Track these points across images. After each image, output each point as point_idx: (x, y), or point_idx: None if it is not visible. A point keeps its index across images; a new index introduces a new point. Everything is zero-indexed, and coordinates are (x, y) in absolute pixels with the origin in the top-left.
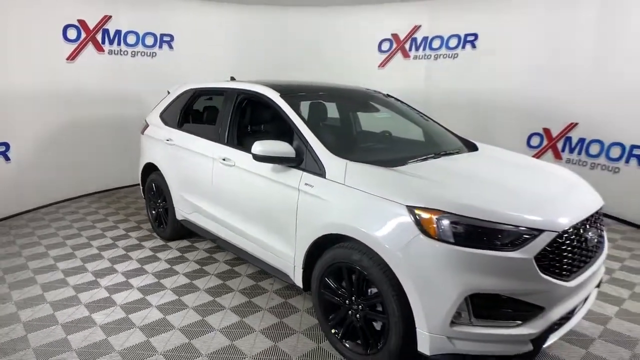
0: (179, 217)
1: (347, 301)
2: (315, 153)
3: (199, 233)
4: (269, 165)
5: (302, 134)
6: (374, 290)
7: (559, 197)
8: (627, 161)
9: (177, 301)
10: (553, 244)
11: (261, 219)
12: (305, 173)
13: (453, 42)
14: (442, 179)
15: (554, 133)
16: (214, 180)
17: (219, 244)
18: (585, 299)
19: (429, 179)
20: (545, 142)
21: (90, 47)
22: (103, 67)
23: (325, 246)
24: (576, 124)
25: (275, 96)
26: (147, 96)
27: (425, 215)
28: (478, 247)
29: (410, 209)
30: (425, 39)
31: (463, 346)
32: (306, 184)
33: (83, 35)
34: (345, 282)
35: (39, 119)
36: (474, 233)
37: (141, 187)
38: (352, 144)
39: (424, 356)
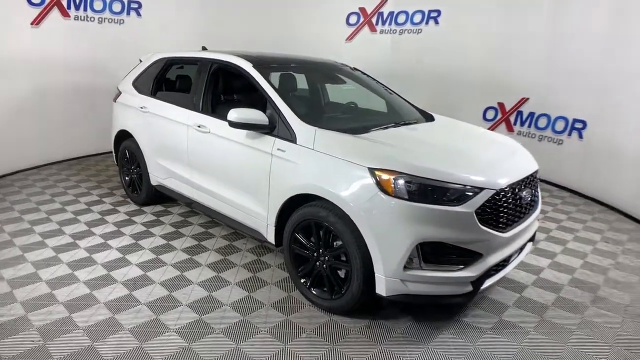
0: (153, 182)
1: (314, 254)
2: (287, 121)
3: (174, 197)
4: (244, 132)
5: (274, 103)
6: (339, 242)
7: (499, 161)
8: (569, 134)
9: (156, 259)
10: (491, 200)
11: (236, 182)
12: (277, 139)
13: (417, 18)
14: (400, 145)
15: (507, 107)
16: (189, 146)
17: (194, 208)
18: (520, 250)
19: (389, 144)
20: (499, 116)
21: (55, 11)
22: (69, 33)
23: (295, 205)
24: (527, 98)
25: (248, 67)
26: (115, 64)
27: (384, 176)
28: (428, 202)
29: (372, 171)
30: (391, 13)
31: (414, 287)
32: (278, 149)
33: None
34: (314, 237)
35: (2, 85)
36: (425, 190)
37: (114, 154)
38: (320, 113)
39: (381, 297)
